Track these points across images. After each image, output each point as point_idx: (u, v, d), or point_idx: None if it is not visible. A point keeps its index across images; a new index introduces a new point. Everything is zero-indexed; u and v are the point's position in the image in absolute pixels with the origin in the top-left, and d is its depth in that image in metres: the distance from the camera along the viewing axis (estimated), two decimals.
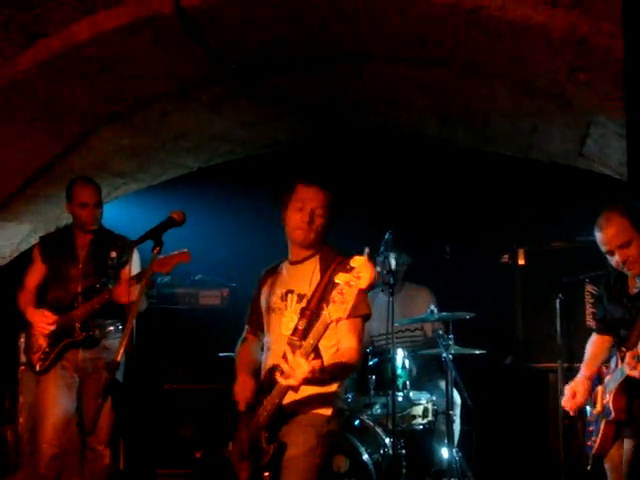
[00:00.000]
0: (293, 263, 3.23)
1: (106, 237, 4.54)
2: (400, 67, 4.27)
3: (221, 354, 5.36)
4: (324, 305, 2.75)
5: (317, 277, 3.11)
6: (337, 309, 2.62)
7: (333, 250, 3.21)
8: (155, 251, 2.89)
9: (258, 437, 3.02)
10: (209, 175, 6.15)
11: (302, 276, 3.16)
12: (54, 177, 5.20)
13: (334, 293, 2.63)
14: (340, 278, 2.62)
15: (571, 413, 3.72)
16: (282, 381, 2.82)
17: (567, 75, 3.66)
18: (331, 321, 2.67)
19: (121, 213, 6.03)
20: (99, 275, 4.38)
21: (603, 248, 3.48)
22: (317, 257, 3.17)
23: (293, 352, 2.81)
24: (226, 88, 4.66)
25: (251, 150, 5.99)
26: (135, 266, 4.41)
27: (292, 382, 2.77)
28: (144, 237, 2.88)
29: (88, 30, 3.88)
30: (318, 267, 3.14)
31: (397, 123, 5.53)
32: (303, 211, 3.09)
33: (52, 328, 4.30)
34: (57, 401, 4.29)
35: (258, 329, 3.37)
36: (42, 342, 4.32)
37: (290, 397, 2.96)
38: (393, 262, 4.77)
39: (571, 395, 3.69)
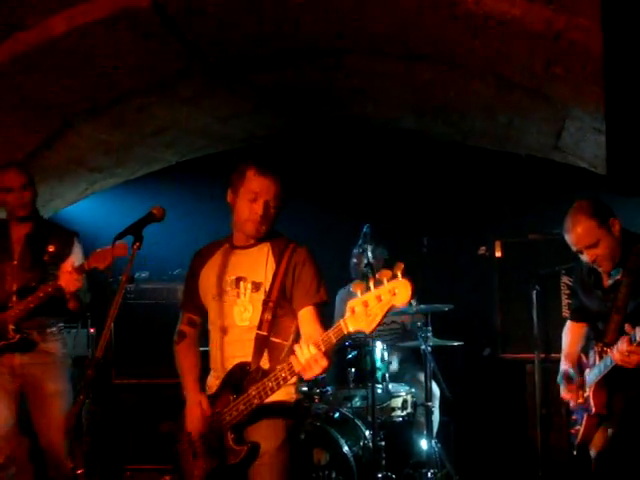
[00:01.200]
0: (239, 247, 3.09)
1: (44, 230, 4.18)
2: (378, 61, 4.29)
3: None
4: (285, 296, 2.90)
5: (272, 265, 3.00)
6: (359, 321, 2.52)
7: (281, 235, 3.12)
8: (135, 247, 2.86)
9: (221, 436, 2.91)
10: (187, 169, 6.13)
11: (253, 263, 3.03)
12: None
13: (354, 302, 2.53)
14: (362, 288, 2.52)
15: (572, 403, 3.69)
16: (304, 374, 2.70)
17: (543, 69, 3.70)
18: (348, 333, 2.56)
19: (98, 208, 6.00)
20: (35, 272, 4.00)
21: (572, 248, 3.51)
22: (267, 243, 3.06)
23: (261, 347, 2.89)
24: (204, 82, 4.65)
25: (229, 144, 5.99)
26: (77, 259, 4.01)
27: (309, 375, 2.69)
28: (124, 232, 2.85)
29: (65, 23, 3.85)
30: (271, 254, 3.03)
31: (374, 117, 5.56)
32: (256, 203, 2.98)
33: None
34: None
35: (197, 314, 3.21)
36: None
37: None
38: (370, 255, 4.79)
39: (567, 383, 3.69)
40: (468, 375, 5.76)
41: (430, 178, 6.12)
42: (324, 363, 2.63)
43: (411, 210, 6.18)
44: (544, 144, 4.91)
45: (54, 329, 4.12)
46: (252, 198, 2.98)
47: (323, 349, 2.62)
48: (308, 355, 2.63)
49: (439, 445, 4.90)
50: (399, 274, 2.45)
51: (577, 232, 3.41)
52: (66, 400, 4.02)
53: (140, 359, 5.67)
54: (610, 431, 3.50)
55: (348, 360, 4.94)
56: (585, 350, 3.73)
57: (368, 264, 4.76)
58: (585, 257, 3.46)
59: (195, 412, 3.01)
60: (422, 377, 5.07)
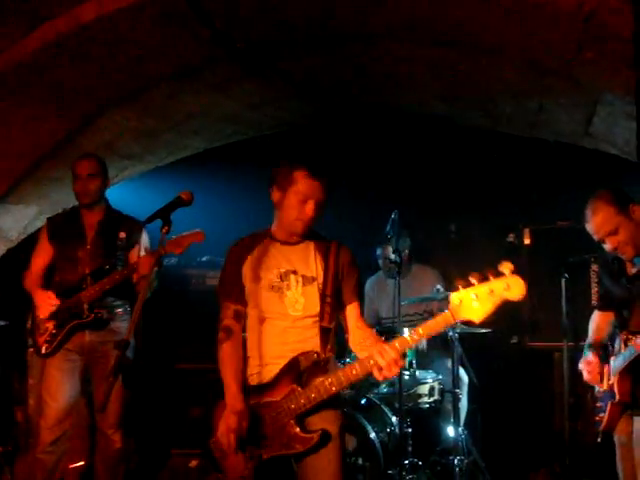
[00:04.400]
0: (283, 243, 3.21)
1: (115, 218, 4.47)
2: (408, 47, 4.27)
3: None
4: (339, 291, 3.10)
5: (320, 261, 3.16)
6: (467, 312, 2.68)
7: (319, 233, 3.26)
8: (164, 230, 2.90)
9: (283, 425, 2.98)
10: (216, 155, 6.16)
11: (302, 258, 3.18)
12: (61, 159, 5.22)
13: (461, 294, 2.69)
14: (480, 280, 2.66)
15: (598, 387, 3.68)
16: (378, 376, 2.84)
17: (574, 53, 3.65)
18: (455, 322, 2.75)
19: (129, 194, 6.04)
20: (107, 256, 4.30)
21: (594, 237, 3.50)
22: (312, 242, 3.21)
23: (326, 338, 3.07)
24: (232, 69, 4.66)
25: (258, 131, 6.00)
26: (144, 247, 4.39)
27: (388, 375, 2.83)
28: (153, 217, 2.90)
29: (94, 11, 3.88)
30: (317, 251, 3.19)
31: (403, 103, 5.53)
32: (307, 205, 3.09)
33: (52, 310, 4.21)
34: (60, 387, 4.21)
35: (244, 306, 3.23)
36: (49, 324, 4.22)
37: None
38: (402, 242, 4.81)
39: (588, 368, 3.68)
40: (496, 363, 5.73)
41: (459, 164, 6.08)
42: (402, 364, 2.82)
43: (439, 196, 6.16)
44: (575, 130, 4.85)
45: (121, 310, 4.36)
46: (302, 199, 3.09)
47: (408, 347, 2.85)
48: (389, 358, 2.78)
49: (466, 432, 4.89)
50: (508, 271, 2.63)
51: (596, 220, 3.43)
52: (127, 378, 4.11)
53: (168, 345, 5.73)
54: (638, 423, 3.48)
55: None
56: (612, 338, 3.71)
57: (396, 250, 4.77)
58: (607, 245, 3.46)
59: (232, 422, 3.00)
60: (449, 364, 5.06)
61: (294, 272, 3.15)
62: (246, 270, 3.21)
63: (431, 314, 5.48)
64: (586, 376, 3.70)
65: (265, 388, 3.08)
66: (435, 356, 5.39)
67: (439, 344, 5.41)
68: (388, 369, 2.80)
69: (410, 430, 4.77)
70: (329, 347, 3.12)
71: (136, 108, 4.97)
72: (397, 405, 4.65)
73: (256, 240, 3.27)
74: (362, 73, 4.87)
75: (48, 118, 4.73)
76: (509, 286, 2.63)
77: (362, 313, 3.24)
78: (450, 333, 4.85)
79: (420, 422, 4.96)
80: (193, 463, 5.31)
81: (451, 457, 4.77)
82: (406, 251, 5.50)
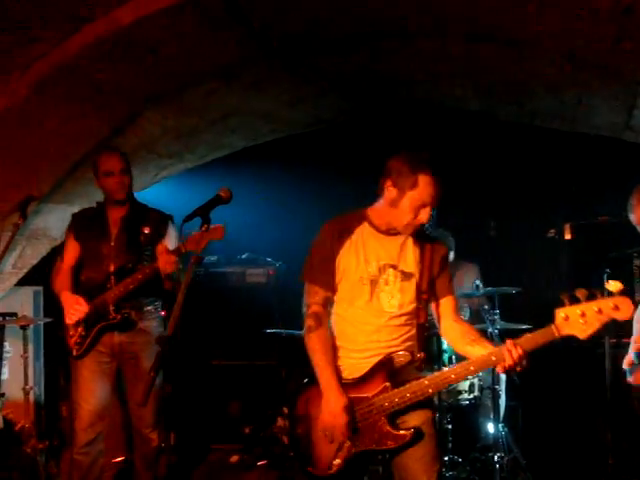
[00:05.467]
0: (383, 232, 3.09)
1: (139, 212, 4.31)
2: (443, 42, 4.25)
3: (267, 331, 5.43)
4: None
5: (418, 256, 3.08)
6: (572, 328, 2.76)
7: None
8: (203, 229, 2.92)
9: (374, 422, 2.98)
10: (255, 154, 6.20)
11: (401, 252, 3.09)
12: None
13: (568, 310, 2.77)
14: (587, 297, 2.73)
15: None
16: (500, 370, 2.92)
17: (613, 45, 3.61)
18: (559, 336, 2.81)
19: (168, 193, 6.12)
20: (132, 253, 4.15)
21: (638, 228, 3.46)
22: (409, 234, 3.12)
23: (422, 337, 3.05)
24: (269, 67, 4.68)
25: (295, 128, 6.02)
26: (171, 241, 4.17)
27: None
28: (192, 215, 2.92)
29: (132, 13, 3.91)
30: (415, 244, 3.10)
31: (440, 99, 5.51)
32: (423, 211, 3.00)
33: (81, 317, 4.11)
34: (92, 389, 4.14)
35: (333, 292, 3.10)
36: (78, 326, 4.14)
37: None
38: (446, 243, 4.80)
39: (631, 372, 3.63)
40: (536, 359, 5.67)
41: (497, 160, 6.04)
42: (525, 364, 2.89)
43: (479, 193, 6.12)
44: (615, 123, 4.79)
45: (151, 308, 4.23)
46: (420, 205, 3.00)
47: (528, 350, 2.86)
48: (516, 355, 2.85)
49: (506, 429, 4.87)
50: (616, 290, 2.72)
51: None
52: (159, 378, 4.03)
53: (209, 341, 5.79)
54: None
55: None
56: None
57: None
58: None
59: (338, 414, 2.98)
60: None
61: (393, 267, 3.06)
62: (344, 255, 3.08)
63: (470, 309, 5.46)
64: (630, 378, 3.64)
65: (356, 383, 3.05)
66: None
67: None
68: (512, 366, 2.86)
69: (450, 426, 4.76)
70: (423, 346, 3.09)
71: (175, 108, 5.02)
72: (437, 401, 4.64)
73: (354, 223, 3.13)
74: (397, 69, 4.87)
75: (88, 119, 4.80)
76: (617, 306, 2.69)
77: (457, 309, 3.21)
78: (490, 329, 4.83)
79: (460, 418, 4.96)
80: (234, 458, 5.36)
81: (491, 454, 4.76)
82: (451, 252, 5.49)
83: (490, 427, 4.89)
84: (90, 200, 5.66)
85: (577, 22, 3.53)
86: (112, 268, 4.12)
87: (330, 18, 4.08)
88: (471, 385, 5.00)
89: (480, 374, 5.06)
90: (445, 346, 4.87)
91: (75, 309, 4.10)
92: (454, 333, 3.14)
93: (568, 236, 5.40)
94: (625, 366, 3.66)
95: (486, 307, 4.93)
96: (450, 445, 4.76)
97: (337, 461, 3.01)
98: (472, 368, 2.93)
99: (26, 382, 4.80)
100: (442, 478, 4.45)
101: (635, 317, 3.82)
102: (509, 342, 2.87)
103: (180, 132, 5.47)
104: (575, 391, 5.53)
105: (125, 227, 4.23)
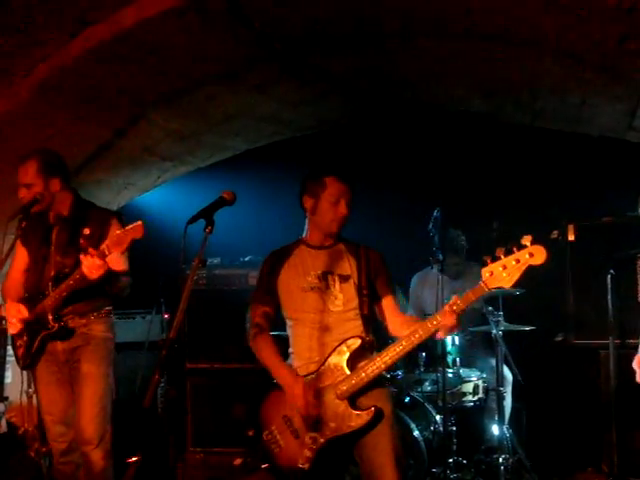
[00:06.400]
0: (317, 248, 3.48)
1: (80, 212, 3.95)
2: (446, 42, 4.24)
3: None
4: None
5: (352, 261, 3.44)
6: (498, 280, 3.03)
7: (346, 238, 3.54)
8: (207, 231, 2.91)
9: (336, 407, 3.19)
10: (257, 156, 6.19)
11: (336, 259, 3.45)
12: (103, 162, 5.30)
13: (490, 267, 3.05)
14: (505, 253, 3.03)
15: None
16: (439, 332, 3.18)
17: (617, 45, 3.60)
18: (488, 290, 3.06)
19: (171, 196, 6.12)
20: (70, 256, 3.79)
21: None
22: (341, 244, 3.50)
23: (368, 324, 3.34)
24: (271, 69, 4.68)
25: (297, 130, 6.02)
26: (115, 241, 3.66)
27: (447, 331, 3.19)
28: (196, 217, 2.91)
29: (135, 15, 3.92)
30: (348, 252, 3.47)
31: (443, 100, 5.50)
32: (339, 205, 3.40)
33: (20, 326, 3.87)
34: (52, 399, 3.92)
35: (273, 309, 3.48)
36: (23, 335, 3.90)
37: None
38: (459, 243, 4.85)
39: None
40: (540, 361, 5.67)
41: (501, 161, 6.03)
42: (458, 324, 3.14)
43: (482, 194, 6.11)
44: (618, 124, 4.78)
45: (97, 313, 3.92)
46: (333, 201, 3.40)
47: (457, 309, 3.10)
48: (452, 322, 3.11)
49: (511, 431, 4.85)
50: (529, 242, 3.01)
51: None
52: (101, 385, 3.86)
53: (212, 344, 5.77)
54: None
55: (419, 344, 4.93)
56: None
57: (438, 248, 4.76)
58: None
59: (297, 391, 3.23)
60: (493, 362, 5.02)
61: (331, 273, 3.42)
62: (284, 277, 3.47)
63: (474, 311, 5.45)
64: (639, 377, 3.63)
65: (314, 376, 3.28)
66: (479, 354, 5.36)
67: (483, 342, 5.37)
68: (444, 328, 3.13)
69: (454, 428, 4.75)
70: (371, 333, 3.38)
71: (177, 110, 5.02)
72: (441, 403, 4.63)
73: (291, 249, 3.54)
74: (399, 70, 4.86)
75: (91, 122, 4.80)
76: (532, 254, 3.00)
77: (398, 306, 3.50)
78: (494, 331, 4.81)
79: (464, 420, 4.94)
80: (237, 461, 5.34)
81: (496, 456, 4.74)
82: (463, 254, 5.50)
83: (495, 429, 4.88)
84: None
85: (581, 22, 3.53)
86: (52, 273, 3.84)
87: (331, 19, 4.08)
88: (475, 387, 4.99)
89: (484, 375, 5.06)
90: (449, 348, 4.87)
91: (16, 317, 3.87)
92: (395, 325, 3.44)
93: (571, 237, 5.36)
94: (636, 366, 3.64)
95: (490, 309, 4.91)
96: (455, 447, 4.73)
97: (307, 454, 3.18)
98: (417, 335, 3.18)
99: (29, 386, 4.78)
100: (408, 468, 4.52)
101: None
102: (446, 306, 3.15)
103: (182, 135, 5.47)
104: (580, 392, 5.51)
105: (64, 229, 3.92)
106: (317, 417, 3.20)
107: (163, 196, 6.33)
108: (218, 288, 5.85)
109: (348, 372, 3.21)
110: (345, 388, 3.20)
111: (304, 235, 3.55)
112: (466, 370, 5.02)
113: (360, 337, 3.28)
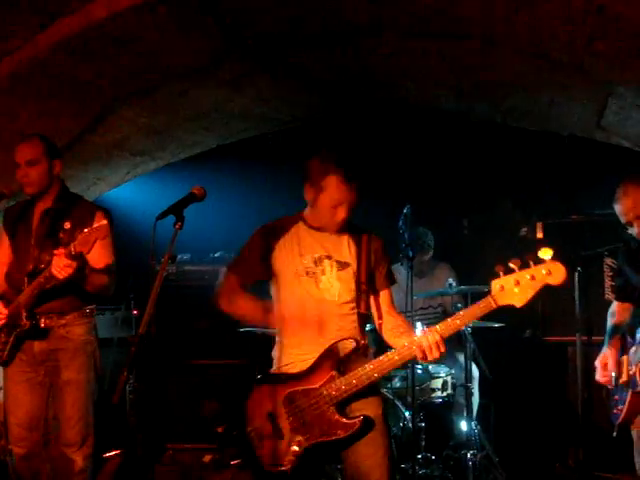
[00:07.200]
0: (318, 229, 3.22)
1: (63, 205, 3.81)
2: (418, 41, 4.26)
3: (241, 329, 5.41)
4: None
5: (353, 248, 3.21)
6: (508, 297, 2.80)
7: (352, 222, 3.26)
8: (177, 227, 2.89)
9: (322, 412, 2.99)
10: (228, 152, 6.17)
11: (335, 244, 3.21)
12: (72, 157, 5.24)
13: (502, 280, 2.81)
14: (520, 266, 2.78)
15: (609, 386, 3.67)
16: (421, 358, 2.92)
17: (585, 45, 3.64)
18: (497, 306, 2.82)
19: (141, 191, 6.07)
20: (48, 251, 3.59)
21: (622, 219, 3.50)
22: (344, 229, 3.22)
23: (363, 325, 3.18)
24: (243, 65, 4.67)
25: (269, 127, 6.02)
26: (100, 236, 3.48)
27: (430, 358, 2.91)
28: (165, 212, 2.88)
29: (105, 8, 3.89)
30: (350, 238, 3.23)
31: (415, 97, 5.53)
32: (341, 208, 3.11)
33: (2, 322, 3.71)
34: (19, 402, 3.77)
35: (246, 281, 3.26)
36: (2, 332, 3.74)
37: None
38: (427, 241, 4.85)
39: (602, 367, 3.67)
40: (509, 357, 5.72)
41: (470, 159, 6.07)
42: (443, 349, 2.91)
43: (451, 191, 6.14)
44: (587, 123, 4.84)
45: (77, 313, 3.77)
46: (335, 204, 3.11)
47: (450, 332, 2.91)
48: (433, 340, 2.88)
49: (479, 427, 4.89)
50: (548, 257, 2.75)
51: (628, 202, 3.47)
52: (83, 391, 3.74)
53: (181, 340, 5.75)
54: None
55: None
56: (631, 330, 3.69)
57: (408, 245, 4.76)
58: (635, 229, 3.46)
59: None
60: (462, 358, 5.06)
61: (328, 257, 3.18)
62: (279, 253, 3.22)
63: (444, 308, 5.49)
64: (599, 376, 3.68)
65: (303, 375, 3.08)
66: (448, 351, 5.37)
67: (452, 339, 5.40)
68: (430, 351, 2.88)
69: (423, 424, 4.77)
70: (365, 334, 3.21)
71: (147, 105, 4.98)
72: (410, 399, 4.65)
73: (290, 222, 3.28)
74: (373, 67, 4.87)
75: (60, 116, 4.75)
76: (550, 272, 2.73)
77: (393, 301, 3.30)
78: (463, 328, 4.84)
79: (433, 416, 4.96)
80: (207, 458, 5.33)
81: (464, 451, 4.77)
82: (430, 252, 5.53)
83: (463, 425, 4.91)
84: None
85: (551, 22, 3.56)
86: (30, 268, 3.68)
87: (304, 16, 4.08)
88: (444, 383, 5.02)
89: (453, 371, 5.09)
90: None
91: None
92: (386, 325, 3.25)
93: (540, 235, 5.42)
94: (597, 364, 3.70)
95: (460, 305, 4.94)
96: (423, 443, 4.75)
97: (290, 457, 3.00)
98: (397, 357, 2.94)
99: None
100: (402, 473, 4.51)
101: (609, 312, 3.86)
102: (424, 330, 2.97)
103: (152, 130, 5.44)
104: (547, 389, 5.57)
105: (44, 222, 3.77)
106: (304, 420, 3.01)
107: (133, 191, 6.28)
108: (188, 284, 5.83)
109: (338, 377, 2.99)
110: (334, 393, 2.98)
111: (305, 212, 3.27)
112: (435, 366, 5.04)
113: (355, 339, 3.07)
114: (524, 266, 2.77)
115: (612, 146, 5.01)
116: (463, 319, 2.90)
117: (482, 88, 5.02)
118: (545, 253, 2.74)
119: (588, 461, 4.80)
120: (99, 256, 3.58)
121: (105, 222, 3.35)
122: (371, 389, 3.06)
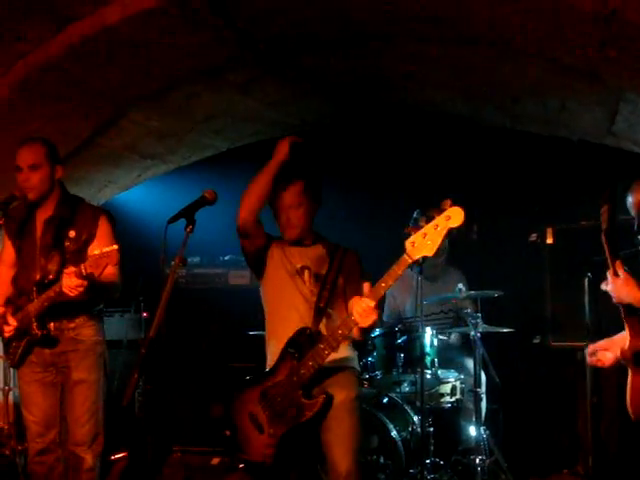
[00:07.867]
0: (295, 245, 3.56)
1: (66, 211, 3.77)
2: (427, 45, 4.26)
3: (250, 332, 5.42)
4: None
5: (328, 262, 3.51)
6: (420, 250, 2.99)
7: (326, 239, 3.63)
8: (188, 230, 2.91)
9: (292, 398, 3.25)
10: (239, 155, 6.18)
11: (314, 258, 3.54)
12: (83, 160, 5.27)
13: (412, 238, 3.00)
14: (427, 221, 3.04)
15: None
16: (360, 322, 3.06)
17: (597, 51, 3.63)
18: (412, 262, 3.02)
19: (152, 194, 6.09)
20: (55, 261, 3.65)
21: (633, 212, 3.50)
22: (320, 244, 3.59)
23: (320, 316, 3.39)
24: (253, 68, 4.67)
25: (279, 130, 6.01)
26: (104, 244, 3.56)
27: (363, 324, 3.06)
28: (177, 216, 2.92)
29: (118, 13, 3.90)
30: (325, 253, 3.55)
31: (423, 102, 5.52)
32: (283, 216, 3.55)
33: (9, 334, 3.72)
34: (34, 401, 3.80)
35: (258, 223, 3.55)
36: (14, 337, 3.78)
37: (330, 356, 3.23)
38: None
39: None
40: (518, 362, 5.71)
41: (480, 164, 6.06)
42: (375, 315, 3.05)
43: (461, 196, 6.10)
44: (597, 129, 4.82)
45: (87, 315, 3.78)
46: (285, 209, 3.52)
47: (379, 296, 3.06)
48: (365, 306, 3.03)
49: (487, 432, 4.88)
50: (447, 206, 2.98)
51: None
52: (93, 391, 3.76)
53: (191, 343, 5.76)
54: None
55: (397, 345, 4.96)
56: None
57: None
58: None
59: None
60: (470, 364, 5.05)
61: (308, 268, 3.51)
62: (273, 251, 3.58)
63: (456, 313, 5.47)
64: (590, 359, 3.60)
65: (272, 371, 3.38)
66: (456, 356, 5.38)
67: (461, 344, 5.40)
68: (363, 317, 3.03)
69: (432, 429, 4.76)
70: (324, 326, 3.40)
71: (158, 108, 5.00)
72: (419, 404, 4.64)
73: (276, 239, 3.63)
74: (381, 71, 4.87)
75: (71, 119, 4.77)
76: (449, 217, 2.96)
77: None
78: (472, 333, 4.84)
79: (442, 421, 4.96)
80: (215, 461, 5.34)
81: (473, 457, 4.76)
82: (443, 255, 5.51)
83: (472, 430, 4.90)
84: None
85: (562, 27, 3.55)
86: (37, 277, 3.68)
87: (315, 20, 4.08)
88: (453, 388, 5.02)
89: (462, 377, 5.08)
90: (428, 349, 4.89)
91: (2, 326, 3.77)
92: None
93: (550, 240, 5.41)
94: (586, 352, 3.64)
95: (469, 310, 4.94)
96: (432, 448, 4.75)
97: (269, 450, 3.25)
98: (340, 331, 3.13)
99: (5, 383, 4.75)
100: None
101: None
102: (354, 298, 3.14)
103: (163, 133, 5.46)
104: (556, 394, 5.56)
105: (48, 230, 3.74)
106: (277, 410, 3.26)
107: (144, 194, 6.30)
108: (198, 287, 5.85)
109: (297, 363, 3.26)
110: (296, 379, 3.24)
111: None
112: (444, 371, 5.04)
113: (308, 327, 3.34)
114: (429, 219, 3.04)
115: (623, 151, 4.99)
116: (387, 281, 3.04)
117: (491, 93, 5.01)
118: (445, 203, 3.00)
119: (597, 467, 4.78)
120: (107, 275, 3.53)
121: (116, 247, 3.35)
122: (339, 370, 3.37)
